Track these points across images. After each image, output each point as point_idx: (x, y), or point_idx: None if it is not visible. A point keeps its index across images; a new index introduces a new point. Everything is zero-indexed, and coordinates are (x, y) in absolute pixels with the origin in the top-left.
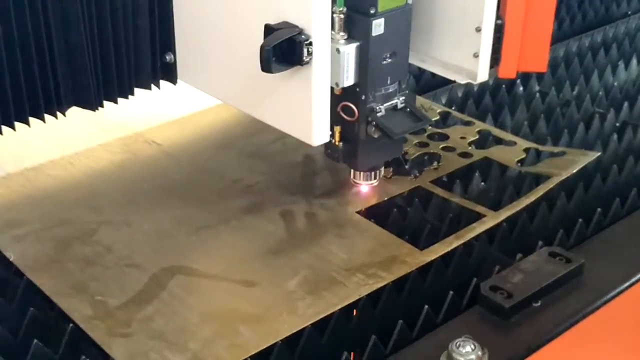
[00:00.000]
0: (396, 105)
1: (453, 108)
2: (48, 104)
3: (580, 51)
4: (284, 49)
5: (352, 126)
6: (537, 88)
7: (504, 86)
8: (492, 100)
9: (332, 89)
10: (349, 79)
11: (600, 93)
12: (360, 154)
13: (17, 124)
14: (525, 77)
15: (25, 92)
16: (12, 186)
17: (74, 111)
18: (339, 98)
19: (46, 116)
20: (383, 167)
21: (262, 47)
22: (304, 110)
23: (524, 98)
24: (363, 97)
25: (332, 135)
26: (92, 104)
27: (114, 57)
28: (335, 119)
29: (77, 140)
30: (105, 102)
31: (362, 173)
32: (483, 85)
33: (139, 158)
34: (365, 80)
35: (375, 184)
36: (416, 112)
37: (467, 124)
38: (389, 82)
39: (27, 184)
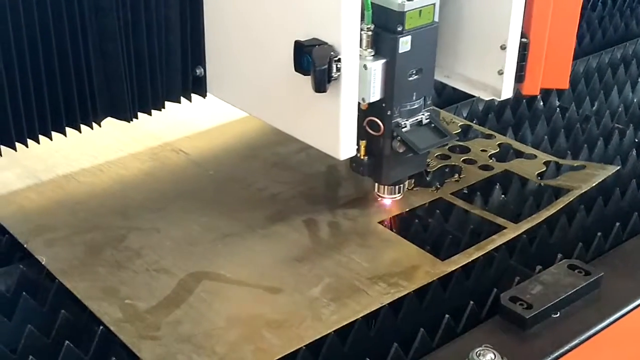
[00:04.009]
0: (421, 121)
1: (474, 121)
2: (84, 114)
3: (600, 67)
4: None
5: (377, 141)
6: (557, 103)
7: (524, 101)
8: (512, 114)
9: (358, 104)
10: (375, 95)
11: (620, 109)
12: (385, 168)
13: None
14: (545, 92)
15: (62, 103)
16: (44, 192)
17: (105, 120)
18: (365, 113)
19: (81, 126)
20: (407, 182)
21: (315, 68)
22: (331, 125)
23: (544, 113)
24: (389, 112)
25: (358, 150)
26: (127, 115)
27: (148, 70)
28: (361, 134)
29: (108, 149)
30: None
31: (386, 187)
32: (504, 99)
33: (168, 167)
34: (391, 96)
35: (399, 198)
36: (440, 128)
37: (488, 137)
38: (414, 98)
39: (58, 190)
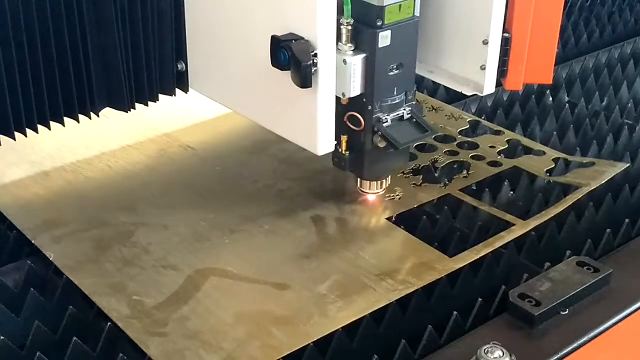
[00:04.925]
0: (402, 116)
1: (483, 117)
2: (82, 104)
3: (609, 63)
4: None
5: (358, 136)
6: (566, 99)
7: (533, 96)
8: (521, 110)
9: (339, 98)
10: (355, 90)
11: (629, 104)
12: (367, 163)
13: (55, 127)
14: (555, 87)
15: (60, 93)
16: (52, 187)
17: (112, 115)
18: (346, 108)
19: (82, 118)
20: (389, 177)
21: (300, 64)
22: (309, 120)
23: (553, 108)
24: (369, 107)
25: (339, 145)
26: (125, 105)
27: (144, 61)
28: (342, 129)
29: (114, 144)
30: (137, 105)
31: (368, 182)
32: (513, 95)
33: (175, 163)
34: (371, 91)
35: (381, 193)
36: (422, 123)
37: (497, 133)
38: (395, 92)
39: (66, 186)
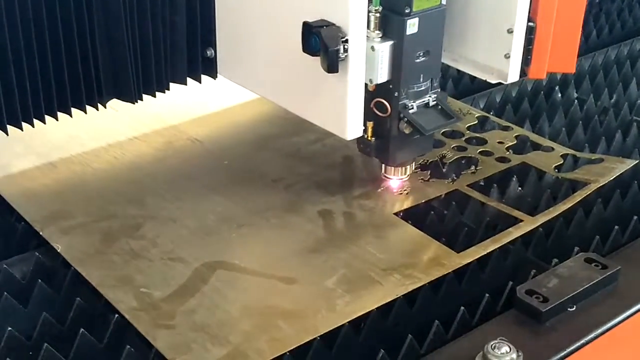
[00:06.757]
0: (428, 103)
1: (491, 113)
2: (89, 95)
3: (618, 59)
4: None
5: (384, 122)
6: (575, 95)
7: (542, 92)
8: (530, 106)
9: (366, 85)
10: (382, 76)
11: (638, 101)
12: (392, 149)
13: (62, 118)
14: (563, 83)
15: (68, 84)
16: (60, 180)
17: (120, 108)
18: (373, 94)
19: (89, 109)
20: (414, 163)
21: (327, 49)
22: (338, 105)
23: (562, 105)
24: (396, 94)
25: (365, 131)
26: (132, 97)
27: (153, 52)
28: (368, 115)
29: (122, 137)
30: (144, 96)
31: (393, 168)
32: (521, 91)
33: (183, 155)
34: (398, 78)
35: (406, 179)
36: (447, 110)
37: (505, 129)
38: (421, 79)
39: (74, 178)
